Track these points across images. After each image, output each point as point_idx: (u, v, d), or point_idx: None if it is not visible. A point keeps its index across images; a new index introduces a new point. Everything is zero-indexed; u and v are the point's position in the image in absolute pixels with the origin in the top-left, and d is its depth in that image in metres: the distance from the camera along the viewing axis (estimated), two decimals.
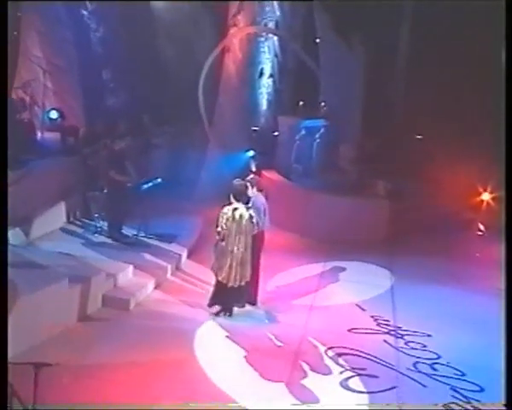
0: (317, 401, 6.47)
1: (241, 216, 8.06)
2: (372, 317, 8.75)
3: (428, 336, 8.23)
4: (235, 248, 8.06)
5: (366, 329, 8.35)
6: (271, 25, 16.08)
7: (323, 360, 7.38)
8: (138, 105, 14.48)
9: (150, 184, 10.49)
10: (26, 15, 14.10)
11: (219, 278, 8.14)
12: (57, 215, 10.66)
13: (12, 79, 12.85)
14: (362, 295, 9.48)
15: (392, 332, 8.33)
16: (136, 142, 13.11)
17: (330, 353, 7.55)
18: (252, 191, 8.62)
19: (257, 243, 8.39)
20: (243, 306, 8.37)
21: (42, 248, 9.26)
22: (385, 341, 8.08)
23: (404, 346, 7.96)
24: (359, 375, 7.08)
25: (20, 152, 10.15)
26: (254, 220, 8.14)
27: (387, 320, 8.67)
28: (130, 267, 8.96)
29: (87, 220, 10.85)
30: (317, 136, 15.08)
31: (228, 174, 14.30)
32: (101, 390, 6.11)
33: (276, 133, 15.21)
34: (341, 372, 7.12)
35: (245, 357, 7.22)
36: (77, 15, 13.79)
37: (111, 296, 8.13)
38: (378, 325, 8.54)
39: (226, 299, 8.21)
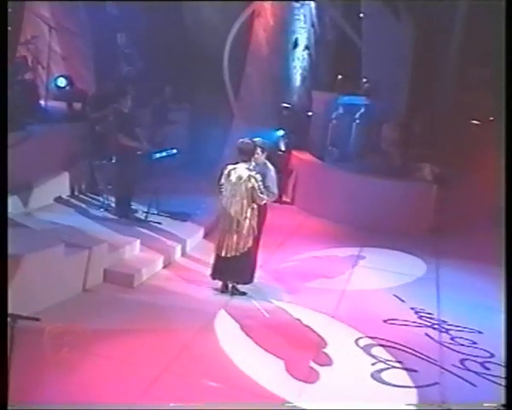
0: (342, 393, 6.15)
1: (239, 178, 7.81)
2: (412, 309, 8.46)
3: (479, 332, 7.91)
4: (229, 213, 7.84)
5: (405, 321, 8.05)
6: None
7: (352, 349, 7.11)
8: (156, 74, 14.29)
9: (164, 154, 10.27)
10: None
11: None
12: (60, 186, 10.54)
13: (16, 38, 12.74)
14: (402, 287, 9.22)
15: (436, 326, 8.02)
16: (152, 110, 13.02)
17: (361, 342, 7.26)
18: (262, 157, 8.34)
19: (258, 215, 8.10)
20: (239, 283, 8.13)
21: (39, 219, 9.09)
22: (427, 334, 7.77)
23: (450, 341, 7.65)
24: (394, 368, 6.77)
25: (19, 114, 10.04)
26: (256, 185, 7.82)
27: (430, 313, 8.36)
28: (137, 242, 8.74)
29: (93, 194, 10.70)
30: (357, 115, 14.74)
31: None
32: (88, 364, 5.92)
33: (309, 113, 14.92)
34: (373, 364, 6.81)
35: (261, 343, 6.93)
36: None
37: (113, 271, 7.90)
38: (420, 318, 8.24)
39: (221, 273, 8.04)
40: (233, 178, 7.90)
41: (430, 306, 8.59)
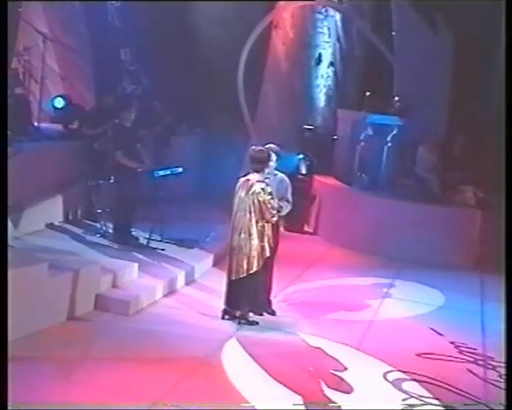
0: None
1: (249, 190, 7.65)
2: (452, 343, 8.12)
3: None
4: (237, 229, 7.67)
5: (442, 355, 7.74)
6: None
7: (380, 384, 6.81)
8: (164, 93, 14.24)
9: (168, 172, 10.11)
10: None
11: None
12: (53, 210, 10.38)
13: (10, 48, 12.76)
14: (442, 321, 8.92)
15: (481, 362, 7.68)
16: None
17: (391, 377, 6.93)
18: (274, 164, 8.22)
19: (272, 235, 7.92)
20: (255, 312, 7.89)
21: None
22: (469, 370, 7.43)
23: (498, 379, 7.26)
24: (430, 405, 6.44)
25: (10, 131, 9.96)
26: (267, 199, 7.61)
27: (474, 348, 8.02)
28: (135, 266, 8.54)
29: (89, 219, 10.55)
30: (389, 138, 14.54)
31: None
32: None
33: (335, 137, 14.75)
34: (404, 399, 6.47)
35: (275, 376, 6.63)
36: None
37: (106, 296, 7.68)
38: (460, 352, 7.91)
39: (235, 300, 7.84)
40: (243, 190, 7.68)
41: (473, 341, 8.26)
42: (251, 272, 7.68)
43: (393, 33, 15.51)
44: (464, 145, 14.09)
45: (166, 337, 7.26)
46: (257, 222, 7.65)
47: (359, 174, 14.04)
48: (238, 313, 7.82)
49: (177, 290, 8.82)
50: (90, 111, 11.68)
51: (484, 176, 13.02)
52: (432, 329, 8.55)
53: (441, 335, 8.39)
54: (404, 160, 14.48)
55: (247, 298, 7.77)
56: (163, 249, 9.83)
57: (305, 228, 13.12)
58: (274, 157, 8.22)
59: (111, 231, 10.02)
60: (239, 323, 7.80)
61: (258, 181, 7.67)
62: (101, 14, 14.00)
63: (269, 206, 7.62)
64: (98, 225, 10.21)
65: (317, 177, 13.64)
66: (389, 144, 14.47)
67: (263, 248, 7.70)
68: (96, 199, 10.28)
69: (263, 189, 7.63)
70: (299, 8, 14.99)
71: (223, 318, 7.87)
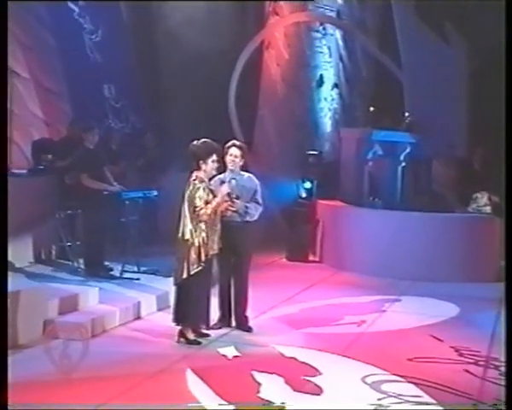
0: None
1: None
2: (453, 347, 7.70)
3: None
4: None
5: (437, 358, 7.34)
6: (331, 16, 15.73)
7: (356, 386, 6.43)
8: (154, 128, 14.15)
9: (140, 194, 9.88)
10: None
11: None
12: (22, 252, 10.20)
13: None
14: (450, 330, 8.53)
15: (482, 363, 7.23)
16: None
17: (370, 379, 6.52)
18: (240, 163, 8.02)
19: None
20: (186, 326, 7.51)
21: None
22: (466, 370, 6.98)
23: (498, 377, 6.82)
24: (408, 402, 6.04)
25: None
26: (196, 194, 7.34)
27: (477, 351, 7.58)
28: (96, 290, 8.28)
29: (61, 258, 10.34)
30: (402, 157, 14.21)
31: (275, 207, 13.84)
32: None
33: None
34: (380, 399, 6.06)
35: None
36: (63, 14, 13.76)
37: (56, 322, 7.40)
38: (460, 355, 7.49)
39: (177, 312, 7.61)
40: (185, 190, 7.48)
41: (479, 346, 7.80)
42: (184, 276, 7.35)
43: (400, 47, 15.40)
44: (484, 157, 13.77)
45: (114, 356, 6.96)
46: (191, 221, 7.35)
47: (372, 198, 13.69)
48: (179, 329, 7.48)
49: (147, 315, 8.50)
50: (59, 142, 11.57)
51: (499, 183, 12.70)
52: (432, 336, 8.12)
53: (441, 341, 7.95)
54: (419, 177, 14.15)
55: (187, 309, 7.41)
56: (138, 279, 9.56)
57: (310, 257, 12.72)
58: (237, 154, 7.98)
59: (82, 266, 9.78)
60: (178, 340, 7.44)
61: (192, 179, 7.42)
62: (79, 49, 14.04)
63: (196, 201, 7.32)
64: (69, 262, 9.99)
65: (321, 201, 13.30)
66: (403, 164, 14.16)
67: (198, 249, 7.36)
68: (64, 232, 10.07)
69: (194, 185, 7.37)
70: (292, 27, 14.92)
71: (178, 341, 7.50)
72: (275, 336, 7.92)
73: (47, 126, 14.35)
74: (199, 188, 7.34)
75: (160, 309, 8.76)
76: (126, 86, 14.73)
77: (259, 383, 6.27)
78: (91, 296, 8.21)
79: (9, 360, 5.56)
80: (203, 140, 7.57)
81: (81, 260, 9.83)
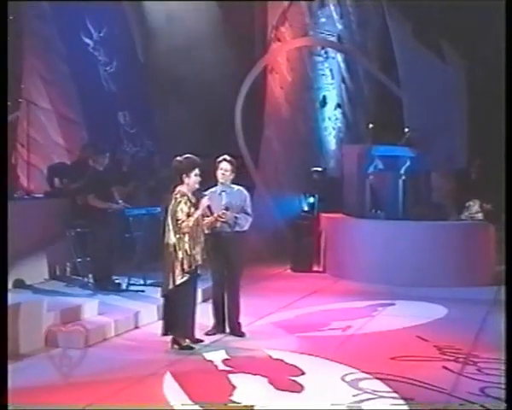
0: None
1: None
2: (436, 346, 7.54)
3: None
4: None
5: (419, 356, 7.19)
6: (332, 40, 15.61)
7: (335, 384, 6.30)
8: (166, 152, 14.14)
9: (143, 211, 9.85)
10: (27, 59, 14.44)
11: None
12: (38, 268, 10.21)
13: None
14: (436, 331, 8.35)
15: (461, 359, 7.07)
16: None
17: (349, 377, 6.39)
18: (230, 177, 7.99)
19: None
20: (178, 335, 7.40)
21: None
22: (444, 367, 6.81)
23: (475, 372, 6.67)
24: (382, 397, 5.91)
25: None
26: (178, 207, 7.25)
27: (458, 349, 7.42)
28: (96, 302, 8.23)
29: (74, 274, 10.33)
30: (403, 171, 14.03)
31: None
32: None
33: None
34: (355, 395, 5.91)
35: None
36: (79, 48, 13.87)
37: (57, 331, 7.35)
38: (442, 353, 7.32)
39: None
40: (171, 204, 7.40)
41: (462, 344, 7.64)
42: (170, 287, 7.27)
43: (398, 67, 15.29)
44: (480, 168, 13.60)
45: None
46: (175, 234, 7.27)
47: (374, 210, 13.52)
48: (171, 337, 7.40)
49: (144, 325, 8.39)
50: (71, 165, 11.60)
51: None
52: (418, 337, 7.94)
53: (426, 341, 7.77)
54: (418, 189, 13.96)
55: (174, 319, 7.33)
56: (143, 291, 9.51)
57: (314, 267, 12.57)
58: (228, 168, 7.95)
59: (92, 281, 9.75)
60: (172, 347, 7.36)
61: (174, 193, 7.35)
62: (94, 80, 14.12)
63: (178, 214, 7.23)
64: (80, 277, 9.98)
65: (324, 214, 13.17)
66: (403, 177, 13.98)
67: (181, 261, 7.26)
68: (75, 249, 10.07)
69: (175, 199, 7.29)
70: (294, 51, 14.83)
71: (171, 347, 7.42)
72: (266, 340, 7.81)
73: (68, 153, 14.40)
74: (180, 202, 7.26)
75: (160, 318, 8.66)
76: (140, 113, 14.80)
77: (234, 386, 6.15)
78: (92, 308, 8.16)
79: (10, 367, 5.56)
80: (186, 156, 7.51)
81: (91, 275, 9.84)
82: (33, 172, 13.23)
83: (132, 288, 9.66)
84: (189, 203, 7.30)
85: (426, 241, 11.45)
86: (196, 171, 7.39)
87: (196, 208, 7.33)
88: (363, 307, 9.54)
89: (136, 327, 8.25)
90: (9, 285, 9.43)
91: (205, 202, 7.40)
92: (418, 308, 9.62)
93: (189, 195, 7.36)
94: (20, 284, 9.58)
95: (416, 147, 13.78)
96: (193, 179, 7.37)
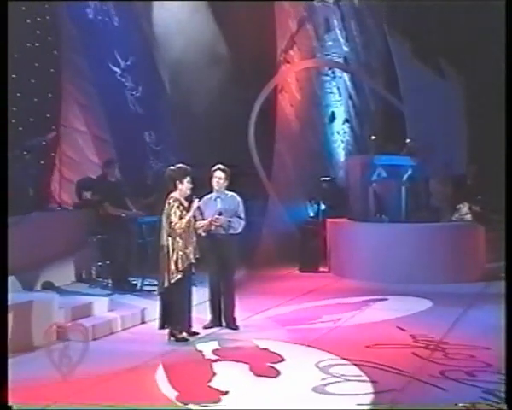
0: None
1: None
2: (411, 335, 7.52)
3: (487, 349, 6.78)
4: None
5: (393, 344, 7.22)
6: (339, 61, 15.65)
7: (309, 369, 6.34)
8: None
9: (155, 219, 9.97)
10: (65, 88, 14.71)
11: None
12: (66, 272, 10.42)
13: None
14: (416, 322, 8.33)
15: (432, 346, 7.08)
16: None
17: (322, 364, 6.42)
18: (224, 184, 8.04)
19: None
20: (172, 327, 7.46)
21: None
22: (414, 353, 6.79)
23: (441, 357, 6.68)
24: (348, 381, 5.93)
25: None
26: (171, 211, 7.35)
27: (431, 337, 7.41)
28: (107, 300, 8.38)
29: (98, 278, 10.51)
30: (405, 178, 13.99)
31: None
32: None
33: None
34: (323, 379, 5.93)
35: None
36: (108, 75, 14.13)
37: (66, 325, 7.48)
38: (415, 341, 7.29)
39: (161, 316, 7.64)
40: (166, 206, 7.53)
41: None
42: (165, 285, 7.38)
43: (399, 83, 15.29)
44: (476, 174, 13.52)
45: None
46: (169, 236, 7.38)
47: (379, 215, 13.51)
48: (168, 330, 7.49)
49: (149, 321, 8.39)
50: (94, 179, 11.82)
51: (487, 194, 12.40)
52: (398, 327, 7.92)
53: (404, 330, 7.75)
54: (419, 195, 13.90)
55: (170, 314, 7.43)
56: (155, 291, 9.61)
57: (320, 268, 12.56)
58: (222, 176, 8.06)
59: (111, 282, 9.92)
60: (169, 339, 7.46)
61: (168, 199, 7.48)
62: (122, 103, 14.36)
63: (171, 218, 7.35)
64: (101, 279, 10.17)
65: (330, 219, 13.18)
66: (406, 185, 13.94)
67: (176, 260, 7.36)
68: (96, 254, 10.27)
69: (169, 204, 7.43)
70: (303, 72, 14.90)
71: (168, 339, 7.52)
72: (257, 332, 7.87)
73: (102, 170, 14.68)
74: (173, 206, 7.40)
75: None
76: (165, 132, 14.99)
77: (215, 373, 6.23)
78: (101, 305, 8.31)
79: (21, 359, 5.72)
80: (178, 165, 7.66)
81: (110, 277, 10.01)
82: (70, 187, 13.52)
83: (146, 288, 9.81)
84: (181, 207, 7.44)
85: (419, 241, 11.41)
86: (188, 178, 7.52)
87: (188, 211, 7.45)
88: (356, 303, 9.49)
89: (143, 322, 8.36)
90: (38, 287, 9.78)
91: (195, 203, 7.53)
92: (406, 302, 9.57)
93: (182, 200, 7.50)
94: (48, 286, 9.78)
95: (416, 156, 13.77)
96: (185, 186, 7.51)
